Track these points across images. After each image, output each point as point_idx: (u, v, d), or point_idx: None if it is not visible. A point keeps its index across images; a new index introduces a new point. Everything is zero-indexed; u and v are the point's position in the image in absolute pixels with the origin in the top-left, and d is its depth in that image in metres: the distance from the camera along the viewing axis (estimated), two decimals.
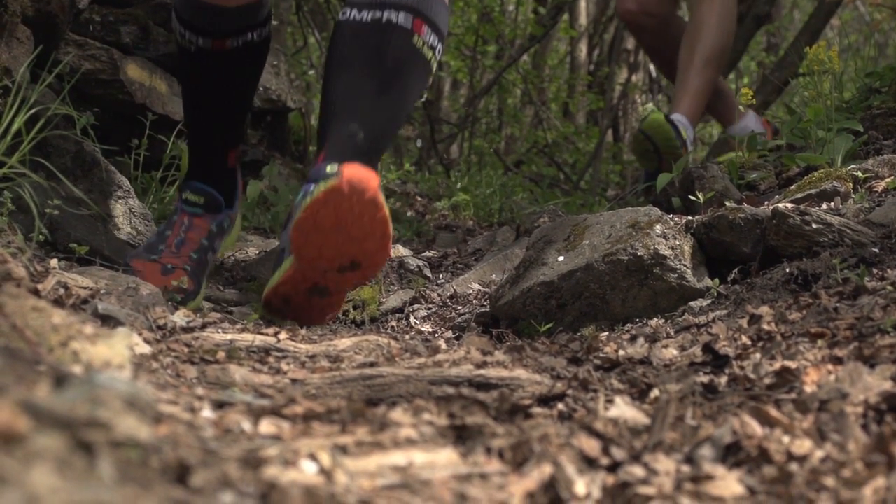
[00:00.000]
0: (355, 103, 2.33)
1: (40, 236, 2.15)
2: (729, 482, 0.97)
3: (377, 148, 2.37)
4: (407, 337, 2.17)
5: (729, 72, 6.43)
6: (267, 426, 1.08)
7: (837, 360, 1.39)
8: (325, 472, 0.90)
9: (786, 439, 1.08)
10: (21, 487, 0.57)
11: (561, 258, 2.30)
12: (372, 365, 1.55)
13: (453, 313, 2.57)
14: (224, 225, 2.62)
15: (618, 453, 1.05)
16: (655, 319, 2.12)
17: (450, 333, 2.40)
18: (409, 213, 4.67)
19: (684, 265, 2.19)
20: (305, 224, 2.09)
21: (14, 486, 0.56)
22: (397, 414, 1.16)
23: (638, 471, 1.00)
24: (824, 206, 2.42)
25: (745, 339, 1.63)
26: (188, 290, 2.34)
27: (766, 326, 1.66)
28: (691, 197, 2.75)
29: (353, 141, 2.27)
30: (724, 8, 4.23)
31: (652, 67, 9.07)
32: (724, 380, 1.44)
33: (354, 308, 2.54)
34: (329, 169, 2.12)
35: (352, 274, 2.20)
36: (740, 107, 4.00)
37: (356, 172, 2.04)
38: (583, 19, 9.12)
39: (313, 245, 2.12)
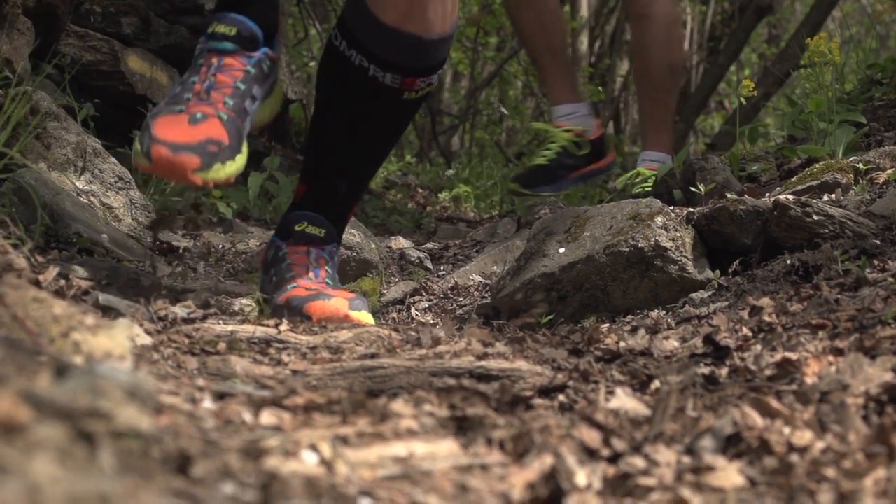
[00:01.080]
0: (339, 159, 2.27)
1: (41, 227, 2.15)
2: (730, 473, 0.97)
3: (358, 192, 2.36)
4: (426, 325, 2.17)
5: (730, 63, 6.42)
6: (268, 417, 1.08)
7: (838, 352, 1.39)
8: (326, 463, 0.90)
9: (786, 430, 1.08)
10: (22, 477, 0.57)
11: (562, 250, 2.30)
12: (373, 356, 1.55)
13: (454, 305, 2.57)
14: (264, 68, 2.08)
15: (618, 444, 1.05)
16: (656, 311, 2.12)
17: (451, 324, 2.39)
18: (409, 205, 4.67)
19: (685, 257, 2.19)
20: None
21: (15, 475, 0.56)
22: (398, 405, 1.16)
23: (639, 462, 1.00)
24: (825, 197, 2.41)
25: (745, 330, 1.63)
26: (224, 145, 1.93)
27: (766, 318, 1.66)
28: (692, 188, 2.75)
29: (333, 193, 2.26)
30: (663, 24, 4.03)
31: None
32: (724, 371, 1.44)
33: None
34: (297, 227, 2.21)
35: None
36: (581, 94, 3.89)
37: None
38: (584, 11, 9.11)
39: None
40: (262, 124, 2.22)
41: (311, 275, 2.18)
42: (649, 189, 3.47)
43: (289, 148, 4.83)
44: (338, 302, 2.04)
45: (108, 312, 1.66)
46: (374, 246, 2.78)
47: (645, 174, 3.61)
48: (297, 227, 2.22)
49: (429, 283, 2.76)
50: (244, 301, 2.24)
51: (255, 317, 1.98)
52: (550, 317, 2.22)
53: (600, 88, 7.90)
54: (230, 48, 2.01)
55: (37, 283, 1.61)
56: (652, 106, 4.03)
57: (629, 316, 2.17)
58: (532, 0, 4.04)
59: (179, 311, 1.79)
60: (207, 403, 1.13)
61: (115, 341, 1.10)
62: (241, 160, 1.96)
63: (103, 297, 1.71)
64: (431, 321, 2.45)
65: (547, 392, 1.40)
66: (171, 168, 1.86)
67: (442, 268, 3.00)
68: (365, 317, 2.03)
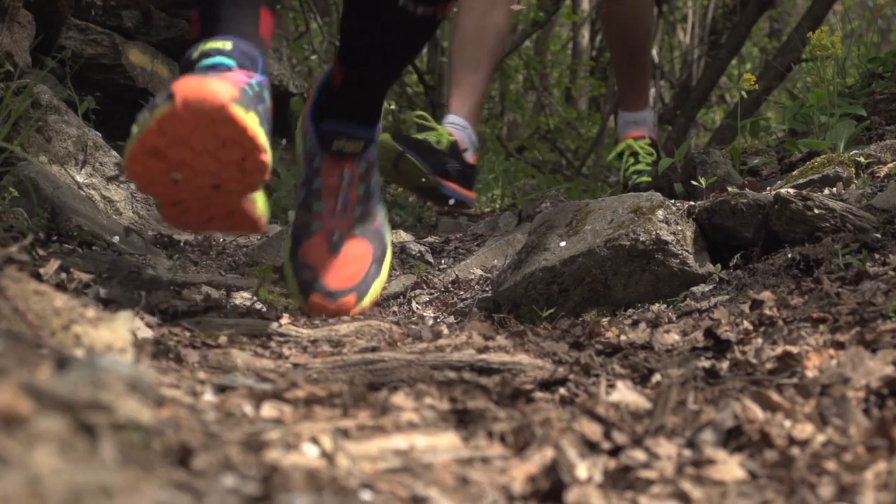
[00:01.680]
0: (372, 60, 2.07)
1: (42, 220, 2.15)
2: (730, 466, 0.98)
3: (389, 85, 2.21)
4: (429, 320, 2.17)
5: (731, 57, 6.41)
6: (269, 410, 1.08)
7: (839, 345, 1.39)
8: (327, 456, 0.90)
9: (787, 424, 1.08)
10: (23, 469, 0.57)
11: (563, 243, 2.30)
12: (374, 349, 1.55)
13: (455, 298, 2.57)
14: (265, 91, 1.74)
15: (619, 437, 1.06)
16: (657, 304, 2.12)
17: (452, 318, 2.40)
18: (410, 199, 4.67)
19: (686, 250, 2.18)
20: (137, 156, 1.61)
21: (16, 467, 0.56)
22: (399, 398, 1.16)
23: (639, 455, 1.00)
24: (826, 191, 2.41)
25: (746, 324, 1.63)
26: (369, 262, 2.05)
27: (767, 311, 1.66)
28: (693, 182, 2.75)
29: (368, 86, 2.11)
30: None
31: (655, 53, 9.05)
32: (725, 365, 1.44)
33: None
34: (336, 145, 2.05)
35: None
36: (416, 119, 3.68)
37: (194, 88, 1.55)
38: (585, 4, 9.10)
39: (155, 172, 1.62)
40: None
41: (338, 208, 2.05)
42: (644, 171, 3.44)
43: (290, 142, 4.82)
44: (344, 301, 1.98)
45: (109, 305, 1.66)
46: None
47: (634, 147, 3.55)
48: (334, 146, 2.08)
49: (430, 276, 2.76)
50: (245, 294, 2.24)
51: (257, 310, 1.98)
52: (551, 310, 2.22)
53: (601, 82, 7.90)
54: (230, 64, 1.73)
55: (38, 276, 1.61)
56: (631, 69, 4.01)
57: (630, 309, 2.17)
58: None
59: (180, 304, 1.79)
60: (208, 396, 1.13)
61: (116, 334, 1.10)
62: (387, 266, 2.06)
63: (104, 291, 1.71)
64: (432, 315, 2.45)
65: (548, 385, 1.40)
66: (333, 313, 1.93)
67: (443, 261, 3.00)
68: (369, 299, 2.03)
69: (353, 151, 2.07)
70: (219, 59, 1.70)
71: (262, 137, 1.60)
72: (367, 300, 1.99)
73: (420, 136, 3.49)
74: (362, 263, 2.00)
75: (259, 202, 1.84)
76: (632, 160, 3.81)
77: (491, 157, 6.43)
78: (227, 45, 1.72)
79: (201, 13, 1.82)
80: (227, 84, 1.57)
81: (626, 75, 4.11)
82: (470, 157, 3.51)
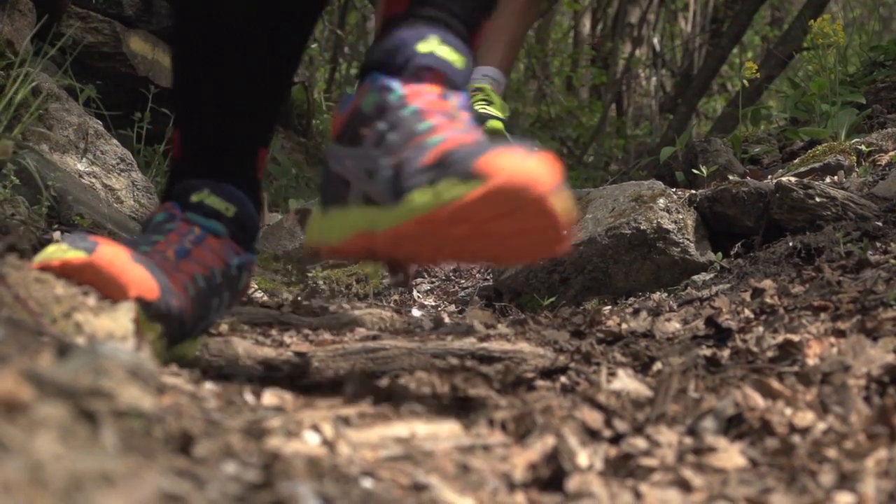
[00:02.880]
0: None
1: (43, 209, 2.15)
2: (731, 454, 0.98)
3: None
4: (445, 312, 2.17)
5: (733, 45, 6.40)
6: (270, 398, 1.08)
7: (840, 333, 1.39)
8: (328, 444, 0.91)
9: (788, 411, 1.08)
10: (24, 455, 0.57)
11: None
12: (375, 338, 1.55)
13: (456, 287, 2.57)
14: (244, 271, 1.46)
15: (620, 425, 1.06)
16: (658, 293, 2.12)
17: (453, 307, 2.40)
18: None
19: (687, 239, 2.18)
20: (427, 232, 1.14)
21: (18, 453, 0.57)
22: (400, 386, 1.16)
23: (640, 443, 1.00)
24: (828, 179, 2.41)
25: (747, 312, 1.63)
26: (186, 319, 1.30)
27: (768, 300, 1.66)
28: (695, 171, 2.75)
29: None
30: None
31: (656, 41, 9.04)
32: (726, 353, 1.44)
33: (357, 282, 2.55)
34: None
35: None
36: None
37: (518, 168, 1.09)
38: None
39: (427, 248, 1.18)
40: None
41: (457, 124, 1.23)
42: (493, 113, 3.31)
43: (290, 130, 4.83)
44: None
45: None
46: None
47: (488, 93, 3.39)
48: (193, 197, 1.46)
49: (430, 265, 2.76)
50: None
51: (258, 298, 1.98)
52: (552, 299, 2.22)
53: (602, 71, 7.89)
54: (221, 231, 1.42)
55: None
56: (514, 40, 3.72)
57: (631, 298, 2.17)
58: None
59: None
60: (210, 384, 1.13)
61: (118, 322, 1.10)
62: (198, 343, 1.38)
63: None
64: (434, 303, 2.45)
65: (549, 373, 1.40)
66: (117, 274, 1.21)
67: None
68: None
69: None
70: (213, 224, 1.41)
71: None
72: (150, 328, 1.24)
73: None
74: (178, 296, 1.29)
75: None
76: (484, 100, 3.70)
77: None
78: (229, 209, 1.43)
79: (196, 141, 1.51)
80: (151, 278, 1.23)
81: (505, 40, 3.72)
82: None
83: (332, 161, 1.27)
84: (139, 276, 1.21)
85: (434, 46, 1.26)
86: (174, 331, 1.26)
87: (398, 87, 1.24)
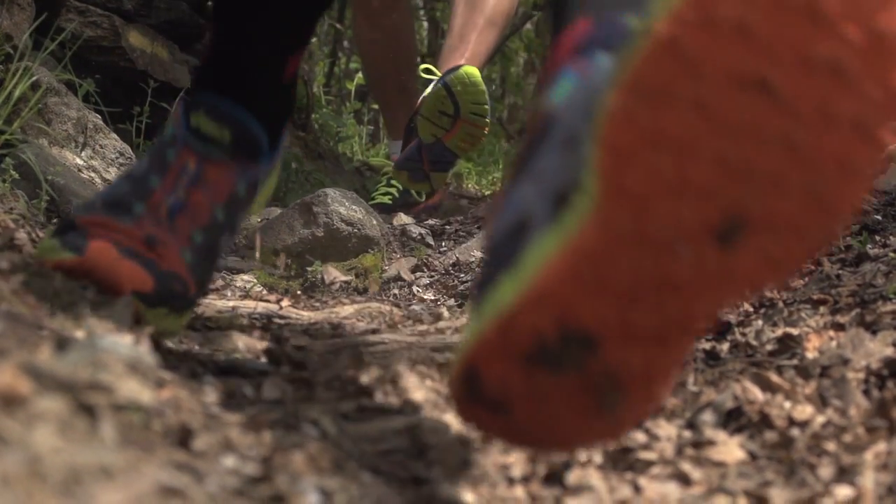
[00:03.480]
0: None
1: (43, 203, 2.15)
2: (730, 447, 0.98)
3: None
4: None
5: None
6: (269, 391, 1.08)
7: (839, 327, 1.39)
8: (328, 437, 0.91)
9: (787, 405, 1.08)
10: (23, 448, 0.57)
11: None
12: (374, 332, 1.55)
13: (456, 281, 2.57)
14: (258, 182, 1.40)
15: None
16: None
17: (452, 301, 2.40)
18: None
19: None
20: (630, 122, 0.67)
21: (16, 446, 0.57)
22: (400, 380, 1.16)
23: (639, 436, 1.01)
24: None
25: (746, 305, 1.63)
26: (189, 294, 1.28)
27: (767, 293, 1.66)
28: None
29: None
30: None
31: None
32: (725, 346, 1.44)
33: (357, 276, 2.55)
34: None
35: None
36: (422, 73, 3.45)
37: None
38: None
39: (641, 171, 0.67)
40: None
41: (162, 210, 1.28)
42: (389, 193, 3.32)
43: (290, 124, 4.83)
44: None
45: None
46: (375, 222, 2.77)
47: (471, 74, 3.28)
48: (192, 121, 1.34)
49: (430, 259, 2.76)
50: (246, 277, 2.24)
51: (257, 292, 1.98)
52: None
53: None
54: (220, 156, 1.32)
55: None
56: (402, 98, 3.73)
57: None
58: (383, 21, 3.70)
59: None
60: (209, 378, 1.13)
61: (117, 316, 1.10)
62: (187, 315, 1.30)
63: None
64: (433, 297, 2.45)
65: None
66: (108, 272, 1.19)
67: (443, 244, 3.00)
68: None
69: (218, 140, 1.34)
70: (210, 149, 1.32)
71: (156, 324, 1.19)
72: (154, 315, 1.23)
73: (392, 193, 3.51)
74: (178, 277, 1.26)
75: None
76: (384, 181, 3.67)
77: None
78: (224, 134, 1.32)
79: (214, 46, 1.41)
80: (145, 273, 1.21)
81: (396, 104, 3.82)
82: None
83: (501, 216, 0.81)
84: (130, 271, 1.19)
85: None
86: (180, 306, 1.25)
87: None
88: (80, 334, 0.94)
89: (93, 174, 2.66)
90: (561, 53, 0.86)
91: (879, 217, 1.97)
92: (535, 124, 0.83)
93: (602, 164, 0.68)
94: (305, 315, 1.70)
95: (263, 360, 1.32)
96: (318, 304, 1.83)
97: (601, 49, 0.81)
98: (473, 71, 3.23)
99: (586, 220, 0.69)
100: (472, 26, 3.39)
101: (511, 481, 0.91)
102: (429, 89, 3.35)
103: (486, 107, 3.29)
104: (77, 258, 1.18)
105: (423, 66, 3.47)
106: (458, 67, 3.24)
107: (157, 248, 1.24)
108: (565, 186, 0.73)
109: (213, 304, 1.69)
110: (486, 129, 3.37)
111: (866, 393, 1.13)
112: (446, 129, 3.33)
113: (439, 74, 3.33)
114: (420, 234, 2.95)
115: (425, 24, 8.32)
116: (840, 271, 1.68)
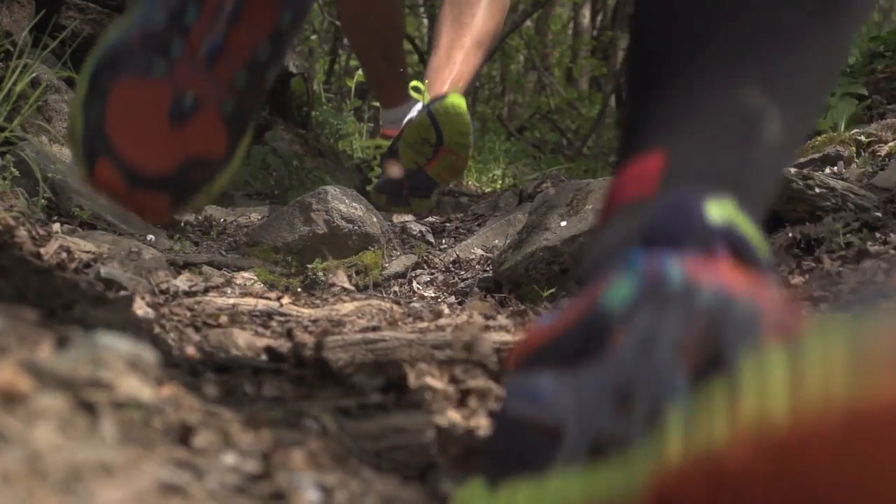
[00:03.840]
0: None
1: (43, 200, 2.15)
2: None
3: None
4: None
5: None
6: (269, 388, 1.08)
7: None
8: (328, 434, 0.91)
9: None
10: (24, 446, 0.57)
11: (563, 223, 2.30)
12: (374, 329, 1.55)
13: (456, 278, 2.57)
14: (305, 10, 1.19)
15: None
16: None
17: (452, 298, 2.40)
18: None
19: None
20: None
21: (17, 444, 0.57)
22: (400, 377, 1.16)
23: None
24: (827, 170, 2.41)
25: None
26: (216, 162, 1.17)
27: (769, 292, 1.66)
28: None
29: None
30: None
31: None
32: None
33: (357, 273, 2.54)
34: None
35: None
36: (411, 92, 3.43)
37: None
38: None
39: None
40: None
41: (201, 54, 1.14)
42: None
43: (290, 121, 4.82)
44: None
45: (110, 285, 1.66)
46: (375, 220, 2.77)
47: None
48: None
49: (430, 256, 2.75)
50: (246, 274, 2.24)
51: (257, 289, 1.98)
52: (552, 290, 2.22)
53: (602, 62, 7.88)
54: None
55: (38, 256, 1.61)
56: (387, 65, 3.71)
57: None
58: None
59: (181, 284, 1.79)
60: (209, 375, 1.13)
61: (117, 314, 1.11)
62: (232, 169, 1.21)
63: (105, 271, 1.71)
64: (433, 295, 2.45)
65: None
66: (124, 202, 1.14)
67: (444, 241, 3.00)
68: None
69: None
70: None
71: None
72: (183, 209, 1.22)
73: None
74: (201, 160, 1.16)
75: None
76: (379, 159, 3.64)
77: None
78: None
79: None
80: (162, 194, 1.14)
81: (383, 72, 3.77)
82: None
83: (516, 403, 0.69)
84: (142, 204, 1.15)
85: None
86: (222, 170, 1.18)
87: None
88: (80, 332, 0.94)
89: None
90: (625, 190, 0.79)
91: (880, 214, 1.97)
92: (578, 312, 0.74)
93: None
94: (306, 312, 1.69)
95: (264, 357, 1.32)
96: (318, 302, 1.83)
97: (670, 247, 0.69)
98: (459, 101, 3.23)
99: None
100: (458, 46, 3.40)
101: None
102: (413, 114, 3.36)
103: (470, 137, 3.30)
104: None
105: (413, 83, 3.45)
106: (444, 97, 3.24)
107: (188, 118, 1.12)
108: (605, 439, 0.63)
109: (213, 301, 1.69)
110: (468, 160, 3.37)
111: None
112: (428, 157, 3.33)
113: (426, 92, 3.33)
114: (420, 231, 2.95)
115: (425, 21, 8.33)
116: (841, 269, 1.68)
